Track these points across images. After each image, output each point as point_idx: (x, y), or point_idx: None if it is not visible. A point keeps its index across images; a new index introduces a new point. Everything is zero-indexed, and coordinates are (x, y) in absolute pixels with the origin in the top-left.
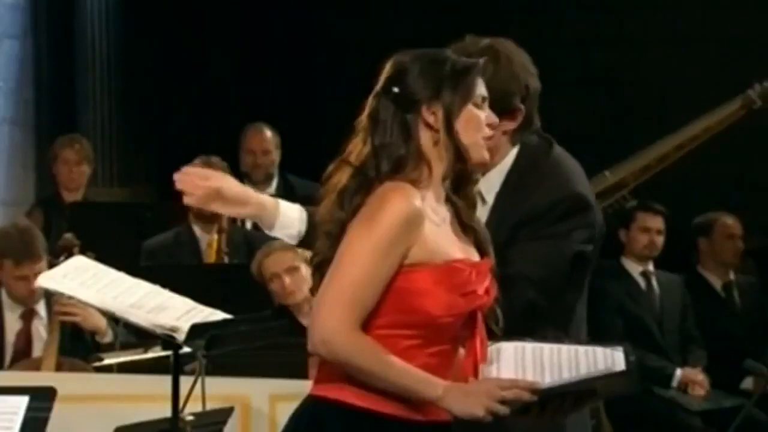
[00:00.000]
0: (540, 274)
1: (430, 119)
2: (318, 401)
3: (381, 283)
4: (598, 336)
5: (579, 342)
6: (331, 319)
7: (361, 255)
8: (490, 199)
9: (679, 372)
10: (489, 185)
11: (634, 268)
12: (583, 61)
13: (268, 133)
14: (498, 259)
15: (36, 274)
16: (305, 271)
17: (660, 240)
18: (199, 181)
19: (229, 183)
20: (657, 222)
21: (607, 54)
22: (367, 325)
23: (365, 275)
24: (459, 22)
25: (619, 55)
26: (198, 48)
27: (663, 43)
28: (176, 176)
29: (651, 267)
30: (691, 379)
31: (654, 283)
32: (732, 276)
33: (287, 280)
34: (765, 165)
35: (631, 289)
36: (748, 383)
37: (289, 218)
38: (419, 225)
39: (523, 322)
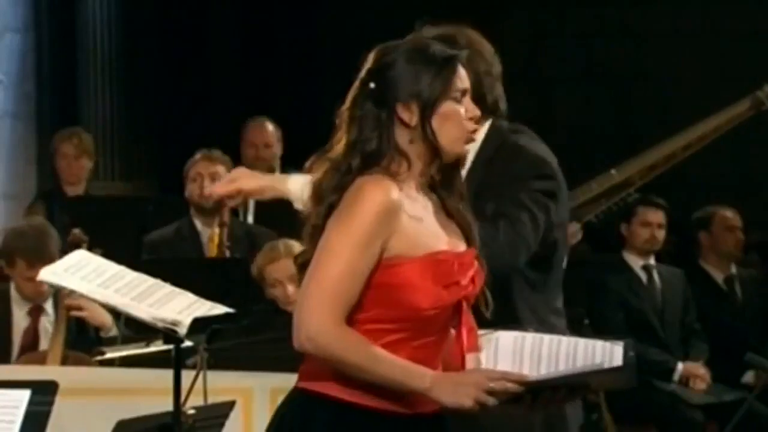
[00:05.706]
0: (527, 206)
1: (405, 117)
2: (304, 394)
3: (362, 276)
4: (599, 329)
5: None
6: (316, 315)
7: (341, 249)
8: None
9: (680, 366)
10: None
11: (635, 262)
12: (587, 55)
13: (270, 126)
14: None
15: None
16: None
17: (661, 234)
18: (226, 185)
19: (248, 183)
20: (658, 216)
21: (611, 48)
22: (351, 319)
23: (346, 269)
24: (462, 17)
25: (623, 48)
26: (199, 41)
27: (666, 38)
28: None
29: (652, 261)
30: (693, 373)
31: (655, 276)
32: (734, 269)
33: (290, 288)
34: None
35: (633, 283)
36: (749, 377)
37: (295, 193)
38: (396, 216)
39: (513, 258)
